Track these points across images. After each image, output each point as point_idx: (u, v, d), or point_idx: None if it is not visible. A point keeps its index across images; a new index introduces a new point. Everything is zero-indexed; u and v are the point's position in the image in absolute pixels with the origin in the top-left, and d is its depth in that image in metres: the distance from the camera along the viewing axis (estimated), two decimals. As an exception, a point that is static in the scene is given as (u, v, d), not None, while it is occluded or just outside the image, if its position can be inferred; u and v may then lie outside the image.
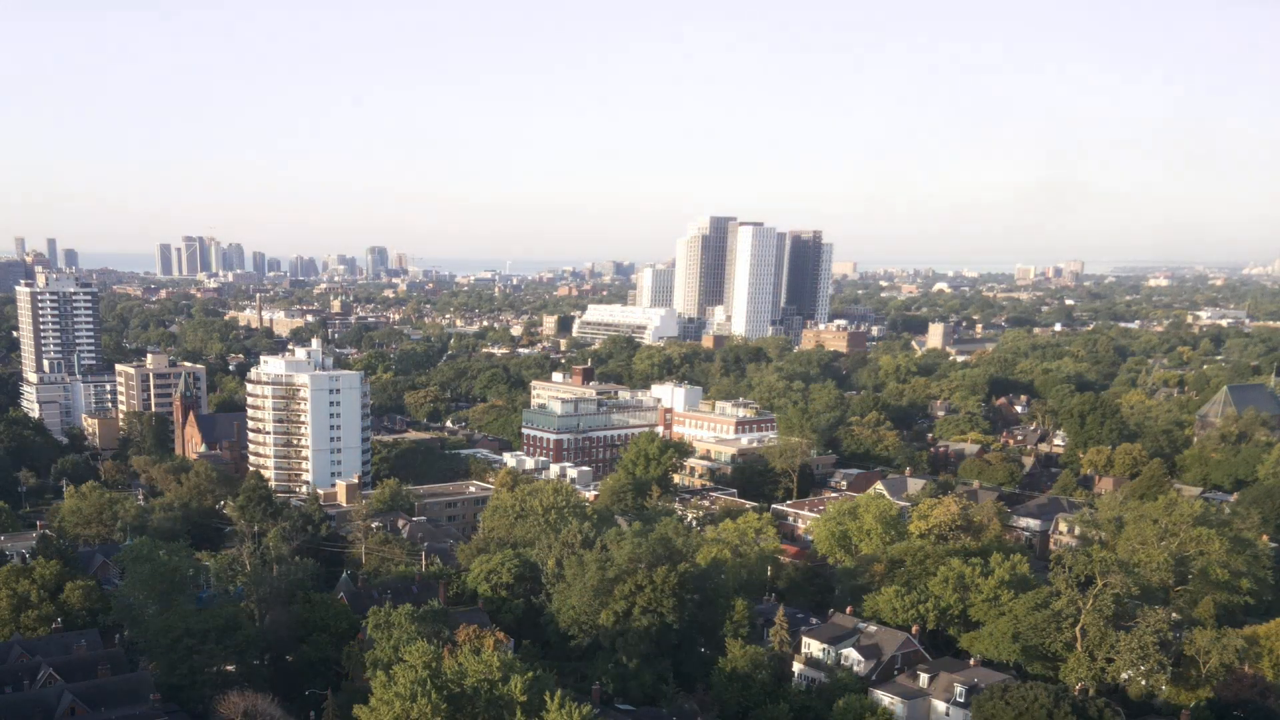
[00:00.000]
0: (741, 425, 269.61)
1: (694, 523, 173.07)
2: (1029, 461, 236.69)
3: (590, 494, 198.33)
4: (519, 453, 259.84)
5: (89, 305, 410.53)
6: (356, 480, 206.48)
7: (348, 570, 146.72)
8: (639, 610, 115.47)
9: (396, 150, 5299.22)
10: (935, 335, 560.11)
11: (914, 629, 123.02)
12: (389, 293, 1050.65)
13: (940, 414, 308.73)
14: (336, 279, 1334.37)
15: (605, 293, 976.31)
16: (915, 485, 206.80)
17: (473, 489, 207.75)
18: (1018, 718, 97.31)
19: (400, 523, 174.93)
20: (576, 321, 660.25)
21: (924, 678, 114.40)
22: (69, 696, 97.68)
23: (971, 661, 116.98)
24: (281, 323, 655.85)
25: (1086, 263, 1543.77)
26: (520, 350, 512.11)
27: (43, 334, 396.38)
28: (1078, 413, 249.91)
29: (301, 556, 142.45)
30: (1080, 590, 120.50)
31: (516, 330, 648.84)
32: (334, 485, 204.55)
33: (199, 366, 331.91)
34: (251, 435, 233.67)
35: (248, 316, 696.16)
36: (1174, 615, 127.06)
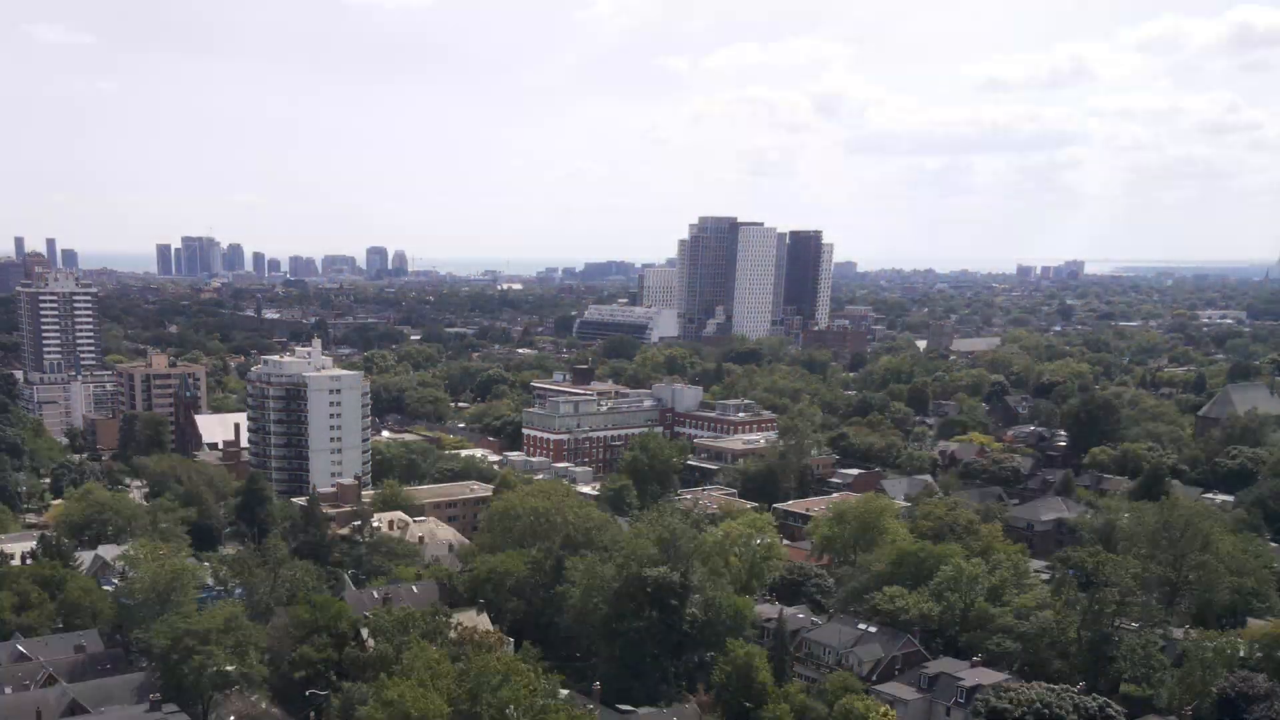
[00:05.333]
0: (741, 425, 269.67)
1: (694, 523, 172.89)
2: (1029, 462, 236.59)
3: (591, 494, 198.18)
4: (519, 453, 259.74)
5: (89, 305, 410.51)
6: (357, 480, 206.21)
7: (348, 571, 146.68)
8: (640, 610, 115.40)
9: (396, 150, 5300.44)
10: (936, 335, 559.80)
11: (915, 629, 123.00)
12: (388, 293, 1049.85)
13: (941, 414, 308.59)
14: (336, 279, 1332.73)
15: (605, 292, 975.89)
16: (916, 485, 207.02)
17: (473, 489, 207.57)
18: (1019, 718, 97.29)
19: (401, 524, 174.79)
20: (576, 321, 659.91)
21: (924, 678, 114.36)
22: (69, 697, 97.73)
23: (973, 662, 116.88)
24: (281, 323, 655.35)
25: (1086, 263, 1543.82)
26: (520, 350, 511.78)
27: (43, 334, 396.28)
28: (1078, 413, 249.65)
29: (301, 557, 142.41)
30: (1081, 590, 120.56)
31: (516, 330, 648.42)
32: (334, 485, 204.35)
33: (198, 366, 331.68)
34: (251, 435, 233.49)
35: (247, 316, 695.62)
36: (1175, 615, 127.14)
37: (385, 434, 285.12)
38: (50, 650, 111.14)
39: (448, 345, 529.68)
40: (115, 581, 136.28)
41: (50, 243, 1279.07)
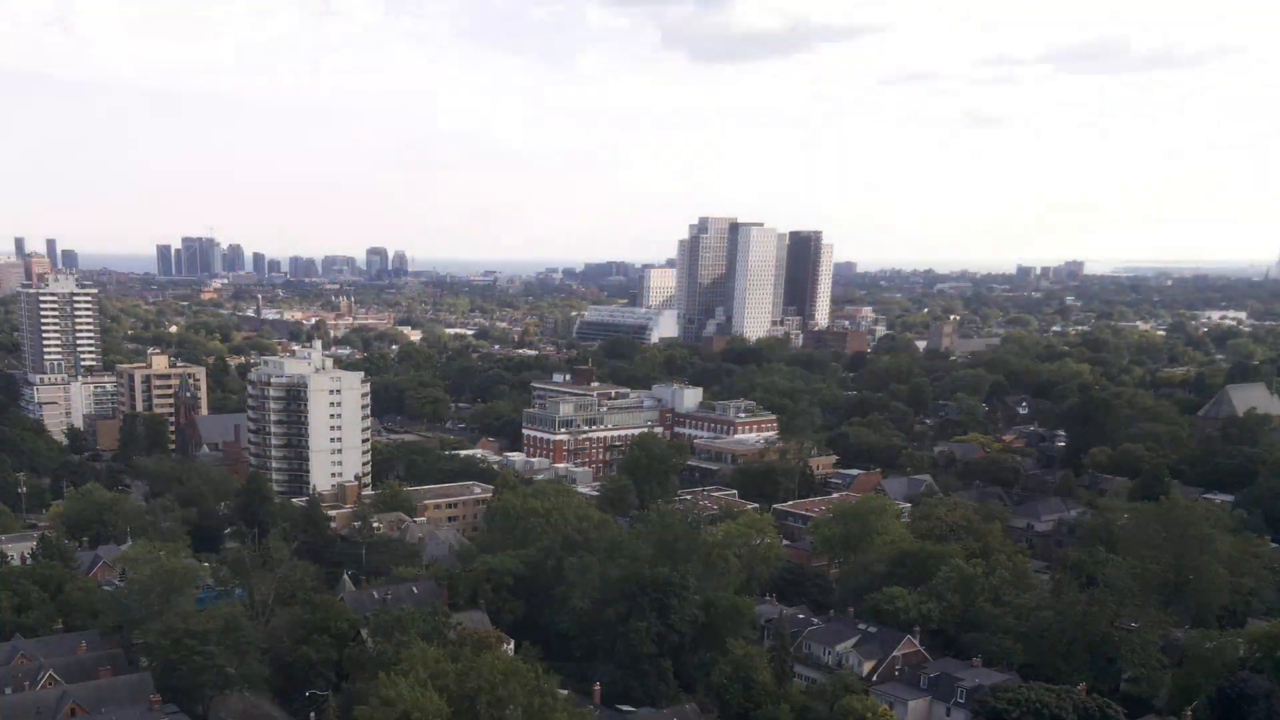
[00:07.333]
0: (742, 425, 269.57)
1: (694, 523, 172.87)
2: (1029, 462, 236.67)
3: (591, 494, 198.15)
4: (520, 453, 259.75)
5: (89, 306, 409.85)
6: (357, 481, 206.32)
7: (348, 571, 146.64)
8: (640, 610, 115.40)
9: (396, 150, 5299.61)
10: (936, 335, 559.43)
11: (915, 629, 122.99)
12: (388, 293, 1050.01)
13: (941, 414, 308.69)
14: (336, 279, 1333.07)
15: (606, 293, 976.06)
16: (915, 485, 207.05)
17: (474, 490, 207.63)
18: (1019, 718, 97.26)
19: (401, 524, 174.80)
20: (576, 322, 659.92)
21: (925, 678, 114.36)
22: (69, 698, 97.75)
23: (973, 662, 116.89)
24: (281, 323, 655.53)
25: (1086, 263, 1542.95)
26: (520, 351, 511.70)
27: (43, 334, 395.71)
28: (1078, 413, 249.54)
29: (302, 557, 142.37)
30: (1082, 590, 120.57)
31: (516, 331, 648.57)
32: (334, 486, 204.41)
33: (198, 367, 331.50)
34: (251, 436, 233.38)
35: (247, 317, 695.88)
36: (1175, 615, 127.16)
37: (385, 434, 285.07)
38: (50, 650, 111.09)
39: (448, 345, 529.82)
40: (115, 581, 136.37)
41: (50, 243, 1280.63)
